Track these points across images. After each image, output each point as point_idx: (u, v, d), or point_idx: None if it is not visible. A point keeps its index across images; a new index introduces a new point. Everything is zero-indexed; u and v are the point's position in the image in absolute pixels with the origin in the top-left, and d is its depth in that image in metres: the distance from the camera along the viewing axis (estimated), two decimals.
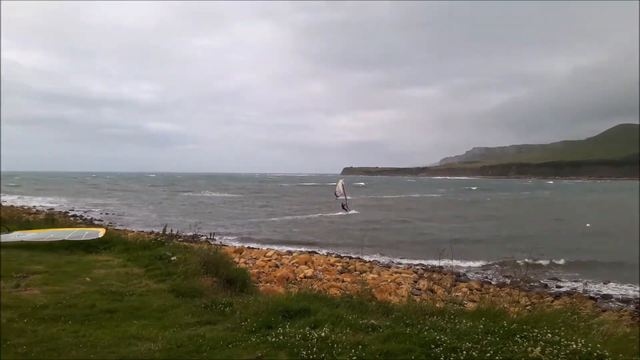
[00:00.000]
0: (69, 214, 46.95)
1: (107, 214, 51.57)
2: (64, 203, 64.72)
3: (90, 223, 38.12)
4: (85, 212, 52.18)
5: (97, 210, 55.63)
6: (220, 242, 30.05)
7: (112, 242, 13.61)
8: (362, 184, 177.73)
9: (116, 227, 34.05)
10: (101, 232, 14.41)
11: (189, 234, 21.92)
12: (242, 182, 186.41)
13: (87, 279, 9.45)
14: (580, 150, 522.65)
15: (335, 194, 67.07)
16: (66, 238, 13.41)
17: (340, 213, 55.57)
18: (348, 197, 60.64)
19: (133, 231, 31.47)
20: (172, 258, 10.95)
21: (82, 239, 13.47)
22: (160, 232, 15.41)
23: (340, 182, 66.55)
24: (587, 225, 45.44)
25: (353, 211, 57.70)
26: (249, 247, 29.15)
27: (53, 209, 53.56)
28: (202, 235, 21.98)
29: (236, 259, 22.01)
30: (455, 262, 24.03)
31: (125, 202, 71.22)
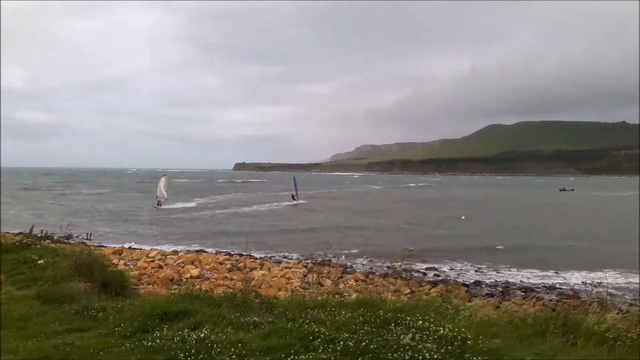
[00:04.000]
0: None
1: None
2: None
3: None
4: None
5: None
6: (98, 243, 28.25)
7: None
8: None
9: None
10: None
11: (62, 234, 20.33)
12: (128, 178, 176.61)
13: None
14: (455, 148, 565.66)
15: (156, 197, 59.08)
16: None
17: (287, 203, 63.78)
18: (299, 192, 68.61)
19: None
20: (39, 262, 10.06)
21: None
22: (27, 233, 14.08)
23: (163, 179, 60.01)
24: (462, 217, 49.59)
25: (301, 201, 65.86)
26: (130, 248, 27.73)
27: None
28: (78, 236, 20.51)
29: (115, 261, 20.86)
30: (342, 254, 24.92)
31: None
